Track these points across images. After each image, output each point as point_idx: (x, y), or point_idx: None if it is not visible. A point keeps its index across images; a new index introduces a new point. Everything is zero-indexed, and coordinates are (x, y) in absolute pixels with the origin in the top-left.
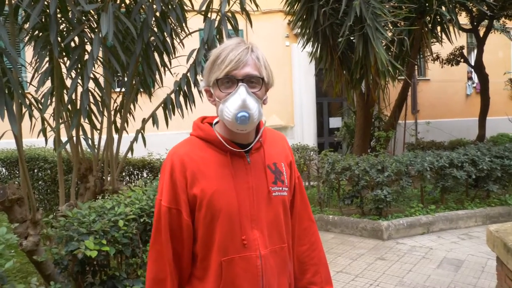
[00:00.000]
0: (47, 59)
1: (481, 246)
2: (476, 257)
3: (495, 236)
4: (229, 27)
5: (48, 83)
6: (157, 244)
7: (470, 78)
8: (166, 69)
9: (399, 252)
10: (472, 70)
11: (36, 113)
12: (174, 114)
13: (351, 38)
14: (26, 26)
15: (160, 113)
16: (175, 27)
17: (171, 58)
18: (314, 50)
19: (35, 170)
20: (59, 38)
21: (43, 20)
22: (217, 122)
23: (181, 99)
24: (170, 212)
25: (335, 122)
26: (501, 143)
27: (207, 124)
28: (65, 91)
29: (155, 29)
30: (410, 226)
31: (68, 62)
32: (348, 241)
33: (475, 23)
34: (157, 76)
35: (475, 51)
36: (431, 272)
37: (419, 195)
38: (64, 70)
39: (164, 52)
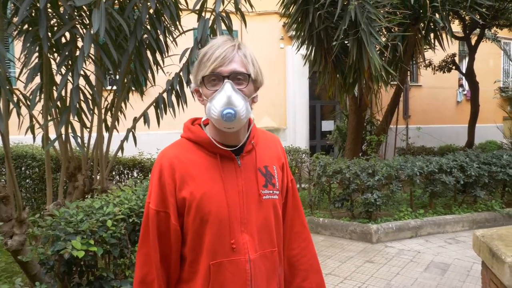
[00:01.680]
0: (36, 54)
1: (467, 251)
2: (462, 261)
3: (481, 241)
4: (223, 27)
5: (37, 79)
6: (145, 247)
7: (461, 86)
8: (159, 67)
9: (388, 255)
10: (463, 77)
11: (24, 109)
12: (166, 114)
13: (346, 42)
14: (15, 20)
15: (151, 112)
16: (168, 26)
17: (164, 56)
18: (308, 53)
19: (23, 168)
20: (49, 33)
21: (33, 14)
22: (207, 124)
23: (173, 98)
24: (158, 215)
25: (327, 125)
26: (490, 150)
27: (197, 126)
28: (54, 88)
29: (149, 27)
30: (399, 229)
31: (58, 58)
32: (337, 243)
33: (467, 31)
34: (150, 75)
35: (467, 59)
36: (418, 275)
37: (408, 199)
38: (54, 66)
39: (157, 51)
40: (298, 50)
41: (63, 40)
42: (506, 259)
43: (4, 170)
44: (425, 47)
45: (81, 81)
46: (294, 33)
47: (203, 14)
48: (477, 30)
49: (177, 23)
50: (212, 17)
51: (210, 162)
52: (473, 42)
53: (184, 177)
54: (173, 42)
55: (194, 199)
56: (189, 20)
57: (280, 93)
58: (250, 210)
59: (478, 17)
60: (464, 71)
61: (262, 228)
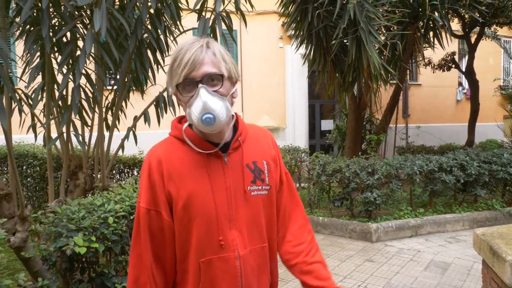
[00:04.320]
0: (38, 53)
1: (467, 250)
2: (463, 260)
3: (481, 239)
4: (224, 26)
5: (39, 79)
6: (137, 248)
7: (460, 84)
8: (159, 67)
9: (387, 254)
10: (463, 76)
11: (26, 108)
12: (166, 113)
13: (345, 41)
14: (18, 19)
15: (152, 111)
16: (169, 25)
17: (164, 56)
18: (307, 52)
19: (24, 167)
20: (51, 33)
21: (35, 14)
22: None
23: (174, 97)
24: (149, 213)
25: (326, 124)
26: (490, 149)
27: (184, 124)
28: (56, 87)
29: (149, 26)
30: (398, 228)
31: (59, 58)
32: (337, 242)
33: (467, 30)
34: (150, 74)
35: (466, 57)
36: (418, 274)
37: (408, 198)
38: (55, 65)
39: (158, 50)
40: (297, 50)
41: (64, 40)
42: (507, 258)
43: (6, 168)
44: (424, 46)
45: (82, 80)
46: (293, 32)
47: (203, 13)
48: (477, 28)
49: (178, 22)
50: (213, 16)
51: (197, 160)
52: (472, 40)
53: (171, 175)
54: (174, 41)
55: (180, 197)
56: (189, 20)
57: (279, 92)
58: (238, 206)
59: (478, 15)
60: (463, 69)
61: (251, 224)
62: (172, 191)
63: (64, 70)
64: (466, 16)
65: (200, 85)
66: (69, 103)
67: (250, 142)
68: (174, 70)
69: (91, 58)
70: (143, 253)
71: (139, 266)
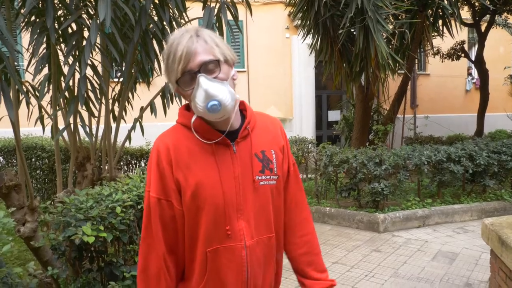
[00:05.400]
0: (44, 45)
1: (475, 240)
2: (471, 250)
3: (490, 229)
4: (229, 16)
5: (45, 70)
6: (148, 238)
7: (470, 74)
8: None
9: (395, 244)
10: (472, 65)
11: (33, 101)
12: (172, 103)
13: (352, 30)
14: (23, 11)
15: (158, 102)
16: (174, 15)
17: None
18: (314, 42)
19: (33, 159)
20: (56, 24)
21: (40, 5)
22: None
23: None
24: (159, 203)
25: (333, 115)
26: (499, 139)
27: (192, 112)
28: (62, 78)
29: (154, 17)
30: (406, 219)
31: (65, 49)
32: (344, 233)
33: (477, 18)
34: (156, 65)
35: (476, 46)
36: (425, 264)
37: (416, 189)
38: (61, 56)
39: (163, 40)
40: (304, 40)
41: (70, 30)
42: None
43: (15, 161)
44: (433, 35)
45: (89, 71)
46: (299, 22)
47: (208, 3)
48: (487, 16)
49: (183, 12)
50: (218, 6)
51: (205, 148)
52: (482, 28)
53: (179, 163)
54: None
55: (189, 186)
56: (194, 10)
57: (286, 83)
58: (246, 196)
59: (488, 2)
60: (473, 58)
61: (259, 214)
62: (180, 179)
63: (70, 61)
64: (476, 3)
65: (198, 74)
66: (75, 94)
67: (259, 130)
68: (170, 67)
69: (96, 49)
70: (155, 244)
71: (150, 256)
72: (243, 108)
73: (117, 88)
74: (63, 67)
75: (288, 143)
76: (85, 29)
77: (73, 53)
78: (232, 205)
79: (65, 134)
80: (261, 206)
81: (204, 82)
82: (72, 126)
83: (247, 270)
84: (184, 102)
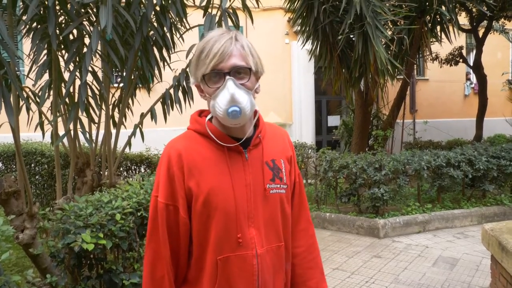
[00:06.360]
0: (45, 51)
1: (476, 245)
2: (471, 256)
3: (490, 234)
4: (230, 23)
5: (46, 76)
6: (153, 243)
7: (468, 79)
8: (165, 64)
9: (395, 250)
10: (471, 70)
11: (33, 106)
12: (172, 110)
13: (351, 36)
14: (24, 17)
15: (158, 108)
16: (175, 22)
17: (170, 53)
18: (313, 47)
19: (32, 165)
20: (57, 31)
21: (42, 12)
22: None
23: (180, 94)
24: (167, 209)
25: (333, 120)
26: (498, 144)
27: (205, 118)
28: (63, 84)
29: (155, 23)
30: (406, 224)
31: (66, 55)
32: (344, 238)
33: (474, 24)
34: (156, 71)
35: (474, 51)
36: (426, 270)
37: (416, 194)
38: (62, 63)
39: (164, 47)
40: (304, 45)
41: (71, 37)
42: None
43: (14, 166)
44: (431, 40)
45: (89, 77)
46: (299, 28)
47: (209, 10)
48: (485, 22)
49: (183, 19)
50: (219, 13)
51: (217, 155)
52: (480, 34)
53: (191, 170)
54: (180, 38)
55: (201, 192)
56: (195, 17)
57: (286, 88)
58: (257, 204)
59: (486, 8)
60: (471, 64)
61: (269, 223)
62: (192, 186)
63: (71, 67)
64: (474, 9)
65: (227, 77)
66: (76, 100)
67: (269, 140)
68: (202, 61)
69: (97, 55)
70: (161, 248)
71: (156, 260)
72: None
73: (117, 94)
74: (63, 73)
75: (294, 154)
76: (86, 35)
77: (74, 59)
78: (244, 212)
79: (65, 140)
80: (271, 215)
81: (232, 86)
82: (72, 132)
83: (258, 279)
84: (185, 109)
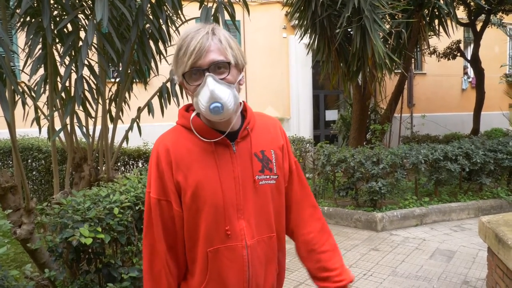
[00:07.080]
0: (40, 45)
1: (472, 238)
2: (468, 248)
3: (487, 227)
4: (226, 16)
5: (41, 71)
6: (149, 238)
7: (466, 73)
8: (162, 57)
9: (393, 243)
10: (468, 64)
11: (29, 101)
12: (169, 103)
13: (349, 29)
14: (18, 11)
15: (155, 102)
16: (170, 15)
17: (166, 46)
18: (311, 41)
19: (29, 160)
20: (52, 24)
21: (36, 4)
22: None
23: (177, 88)
24: (159, 204)
25: (331, 114)
26: (495, 137)
27: (191, 112)
28: (58, 79)
29: (151, 16)
30: (403, 218)
31: (61, 49)
32: (342, 232)
33: (472, 17)
34: (153, 65)
35: (472, 45)
36: (423, 262)
37: (413, 188)
38: (57, 57)
39: (160, 40)
40: (301, 39)
41: (66, 30)
42: None
43: (11, 162)
44: (429, 34)
45: (85, 71)
46: (296, 22)
47: (205, 2)
48: (482, 16)
49: (179, 12)
50: (215, 5)
51: (205, 148)
52: (478, 28)
53: (179, 164)
54: (176, 31)
55: (189, 186)
56: (191, 9)
57: (284, 83)
58: (246, 196)
59: (484, 2)
60: (469, 58)
61: (260, 214)
62: (180, 180)
63: (67, 61)
64: (472, 3)
65: (207, 73)
66: (72, 94)
67: (258, 130)
68: (180, 59)
69: (93, 49)
70: (156, 243)
71: (152, 256)
72: (243, 109)
73: (114, 88)
74: (59, 67)
75: (288, 142)
76: (82, 29)
77: (69, 53)
78: (232, 205)
79: (61, 134)
80: (261, 206)
81: (211, 82)
82: (69, 126)
83: (248, 269)
84: (182, 102)
